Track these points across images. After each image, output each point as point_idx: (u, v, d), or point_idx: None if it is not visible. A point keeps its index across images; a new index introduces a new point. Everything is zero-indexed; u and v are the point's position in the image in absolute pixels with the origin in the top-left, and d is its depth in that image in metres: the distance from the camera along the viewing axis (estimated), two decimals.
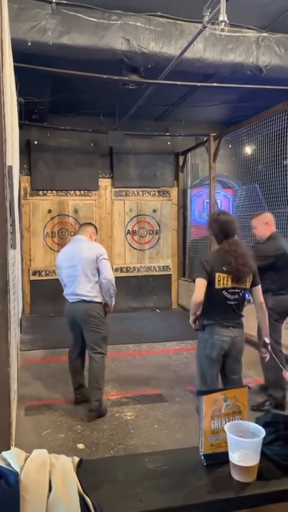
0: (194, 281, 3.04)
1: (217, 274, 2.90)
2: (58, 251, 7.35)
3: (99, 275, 3.79)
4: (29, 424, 3.65)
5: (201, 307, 2.96)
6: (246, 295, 3.07)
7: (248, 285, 3.00)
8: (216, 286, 2.91)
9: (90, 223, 4.44)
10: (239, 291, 2.96)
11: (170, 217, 8.43)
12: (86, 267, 3.79)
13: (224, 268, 2.90)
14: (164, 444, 3.28)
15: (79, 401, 3.95)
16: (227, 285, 2.92)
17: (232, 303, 2.95)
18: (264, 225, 3.89)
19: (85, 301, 3.79)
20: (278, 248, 3.75)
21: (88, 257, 3.80)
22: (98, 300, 3.81)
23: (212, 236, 3.18)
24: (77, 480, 1.03)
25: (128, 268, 8.18)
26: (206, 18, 3.60)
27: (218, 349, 2.94)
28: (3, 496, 0.92)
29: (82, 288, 3.78)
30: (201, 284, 2.92)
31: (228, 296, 2.94)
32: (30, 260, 7.72)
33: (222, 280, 2.91)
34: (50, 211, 7.80)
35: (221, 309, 2.95)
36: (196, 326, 3.03)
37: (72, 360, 4.01)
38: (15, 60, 3.36)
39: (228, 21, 3.15)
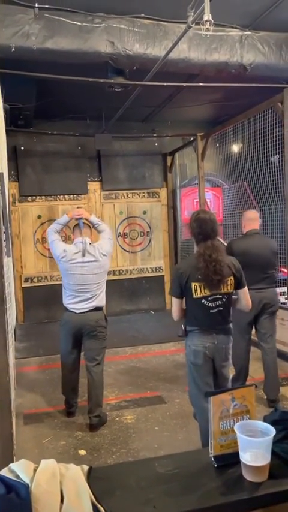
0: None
1: (193, 284, 2.72)
2: (50, 257, 7.37)
3: None
4: (28, 432, 3.61)
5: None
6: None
7: (230, 289, 2.78)
8: (194, 296, 2.73)
9: (87, 225, 3.86)
10: (220, 296, 2.75)
11: (160, 218, 8.43)
12: (106, 273, 3.76)
13: (199, 276, 2.70)
14: (166, 446, 3.27)
15: (74, 412, 3.89)
16: (205, 293, 2.72)
17: (215, 310, 2.75)
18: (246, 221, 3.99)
19: (98, 308, 3.65)
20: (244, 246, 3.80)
21: (108, 264, 3.78)
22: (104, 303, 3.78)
23: (192, 238, 2.93)
24: (89, 489, 1.01)
25: (121, 271, 8.16)
26: (190, 19, 3.59)
27: (201, 355, 2.78)
28: (15, 509, 0.90)
29: (100, 294, 3.68)
30: (176, 303, 2.84)
31: (209, 304, 2.74)
32: (21, 267, 7.65)
33: (199, 290, 2.72)
34: (39, 217, 7.74)
35: (202, 316, 2.78)
36: (179, 332, 2.91)
37: (73, 374, 3.81)
38: None
39: (213, 21, 3.14)
